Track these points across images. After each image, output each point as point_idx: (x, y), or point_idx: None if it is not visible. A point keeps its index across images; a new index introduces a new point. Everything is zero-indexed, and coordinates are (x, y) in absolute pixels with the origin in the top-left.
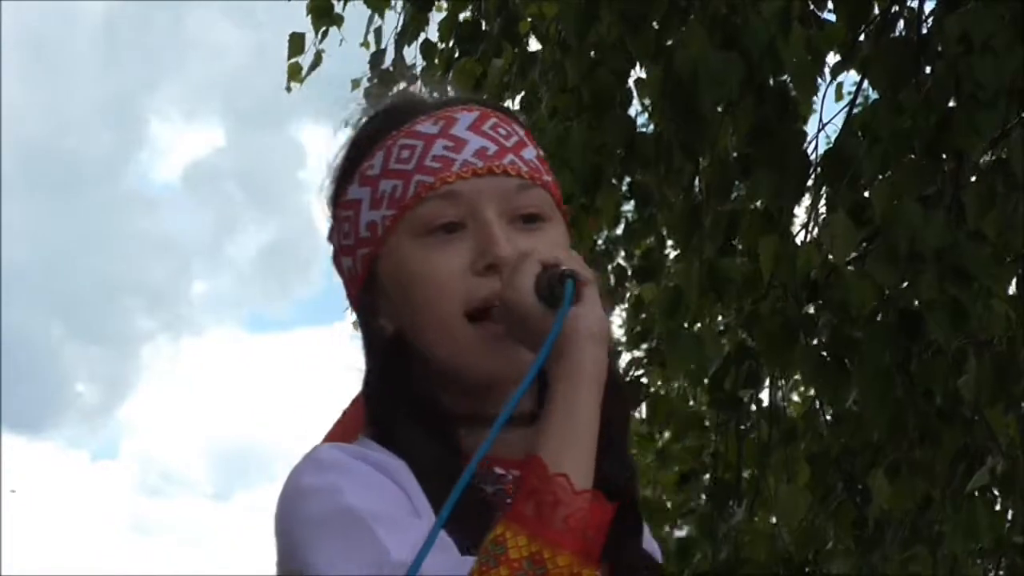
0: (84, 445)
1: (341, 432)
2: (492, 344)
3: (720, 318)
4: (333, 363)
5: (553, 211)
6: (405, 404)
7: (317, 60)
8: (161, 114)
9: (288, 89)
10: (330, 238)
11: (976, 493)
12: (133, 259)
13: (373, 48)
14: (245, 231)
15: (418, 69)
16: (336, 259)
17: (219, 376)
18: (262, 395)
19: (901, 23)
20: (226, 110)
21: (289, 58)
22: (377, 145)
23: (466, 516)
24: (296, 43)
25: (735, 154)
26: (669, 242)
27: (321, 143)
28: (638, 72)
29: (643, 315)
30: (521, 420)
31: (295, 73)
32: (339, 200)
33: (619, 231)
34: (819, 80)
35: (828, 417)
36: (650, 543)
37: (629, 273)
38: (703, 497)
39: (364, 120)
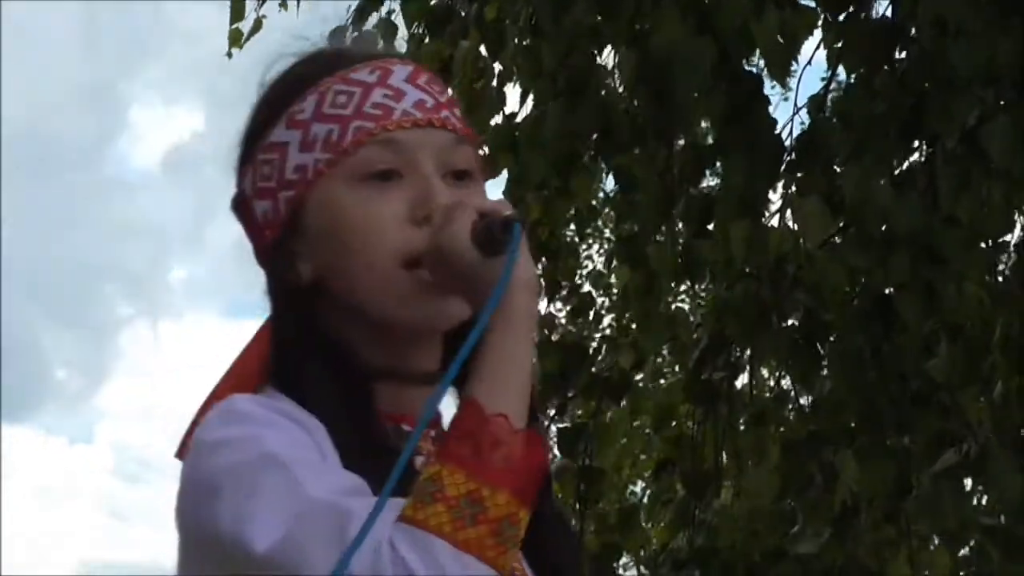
0: (62, 431)
1: (235, 382)
2: (423, 293)
3: (693, 304)
4: None
5: (478, 170)
6: (319, 355)
7: (257, 26)
8: (141, 99)
9: (229, 55)
10: (240, 182)
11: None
12: (112, 244)
13: (296, 9)
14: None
15: (379, 47)
16: (243, 204)
17: (197, 362)
18: None
19: (877, 6)
20: (206, 95)
21: (231, 24)
22: (308, 89)
23: (376, 471)
24: (237, 9)
25: (709, 138)
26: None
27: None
28: (611, 57)
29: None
30: (426, 378)
31: (236, 39)
32: (260, 142)
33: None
34: (793, 64)
35: (802, 401)
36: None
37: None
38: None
39: (290, 65)
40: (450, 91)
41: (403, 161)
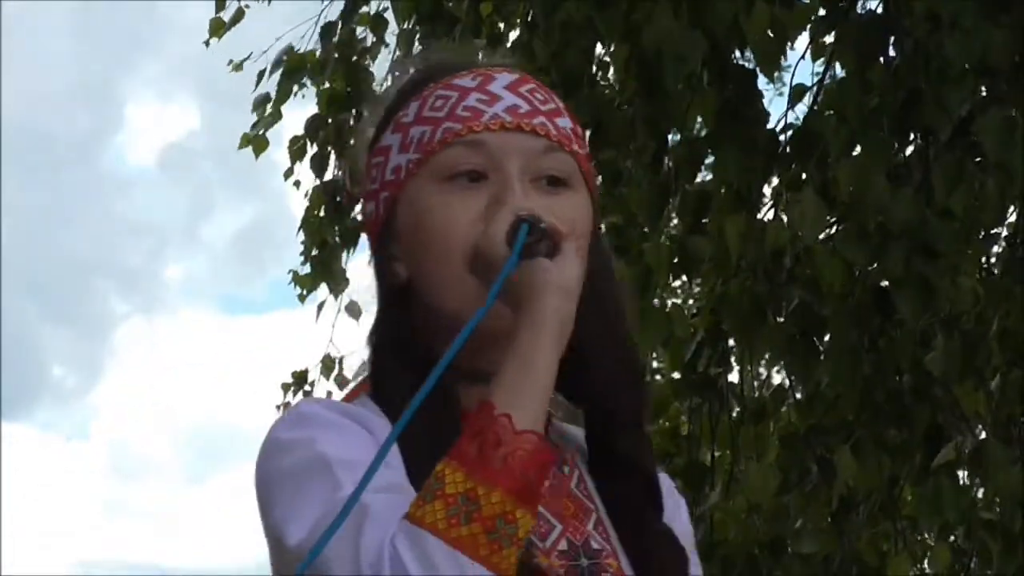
0: (59, 428)
1: (357, 390)
2: (481, 295)
3: (691, 301)
4: (308, 346)
5: (579, 181)
6: (405, 357)
7: (238, 16)
8: (137, 95)
9: (207, 44)
10: (361, 189)
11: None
12: (107, 241)
13: None
14: (220, 213)
15: (368, 43)
16: (362, 209)
17: (193, 358)
18: (236, 377)
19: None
20: (201, 91)
21: (214, 14)
22: (415, 96)
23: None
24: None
25: (703, 133)
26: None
27: (298, 124)
28: (605, 51)
29: None
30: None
31: (216, 29)
32: (373, 148)
33: None
34: (784, 59)
35: (798, 396)
36: (680, 522)
37: None
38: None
39: (408, 75)
40: (559, 103)
41: (489, 163)
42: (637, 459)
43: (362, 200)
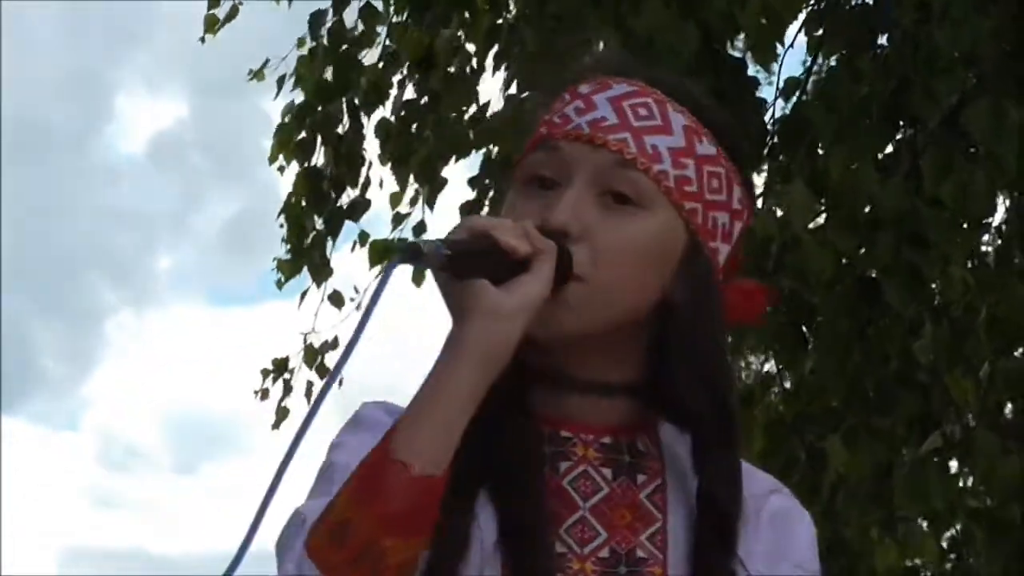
0: (49, 420)
1: None
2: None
3: None
4: (296, 336)
5: (656, 202)
6: None
7: (233, 12)
8: (126, 85)
9: (202, 40)
10: None
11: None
12: (97, 232)
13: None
14: (210, 203)
15: (357, 32)
16: None
17: (183, 350)
18: (226, 369)
19: None
20: (191, 81)
21: (208, 10)
22: (563, 93)
23: (508, 469)
24: None
25: None
26: None
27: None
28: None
29: None
30: (594, 388)
31: (211, 25)
32: None
33: None
34: (782, 45)
35: (786, 384)
36: (795, 550)
37: None
38: None
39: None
40: (678, 122)
41: (561, 171)
42: (712, 492)
43: None
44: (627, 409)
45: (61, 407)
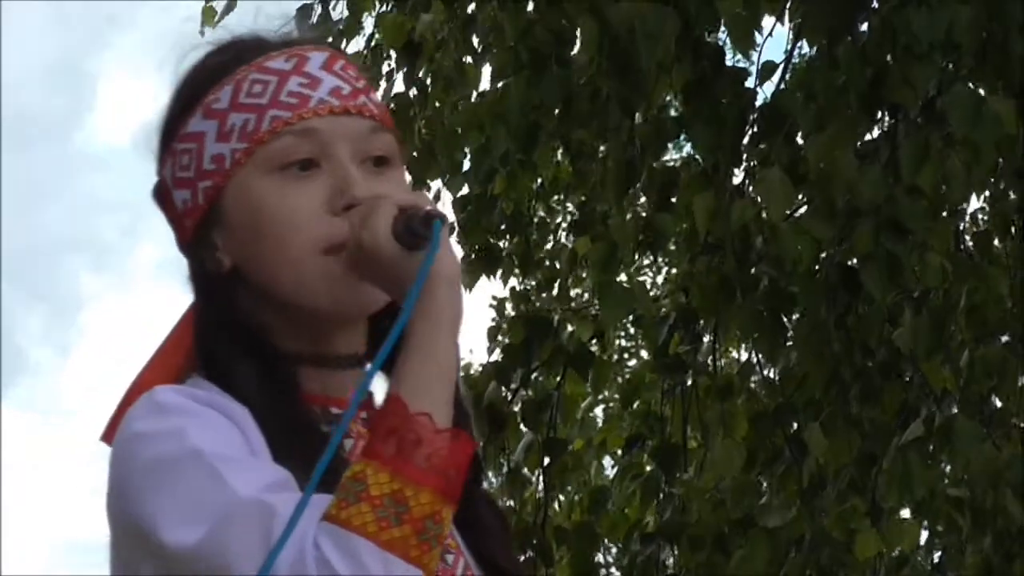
0: (33, 407)
1: (162, 370)
2: (342, 282)
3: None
4: None
5: (397, 156)
6: (241, 341)
7: (231, 4)
8: (110, 73)
9: (202, 33)
10: (160, 171)
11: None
12: (80, 219)
13: None
14: None
15: (342, 26)
16: (163, 193)
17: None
18: None
19: None
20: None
21: (206, 2)
22: (224, 78)
23: (304, 454)
24: None
25: (672, 111)
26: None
27: None
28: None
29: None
30: (350, 361)
31: (209, 17)
32: (177, 132)
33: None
34: (756, 35)
35: (767, 373)
36: None
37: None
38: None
39: (204, 54)
40: (363, 77)
41: (320, 150)
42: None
43: (167, 186)
44: (359, 379)
45: (47, 394)
